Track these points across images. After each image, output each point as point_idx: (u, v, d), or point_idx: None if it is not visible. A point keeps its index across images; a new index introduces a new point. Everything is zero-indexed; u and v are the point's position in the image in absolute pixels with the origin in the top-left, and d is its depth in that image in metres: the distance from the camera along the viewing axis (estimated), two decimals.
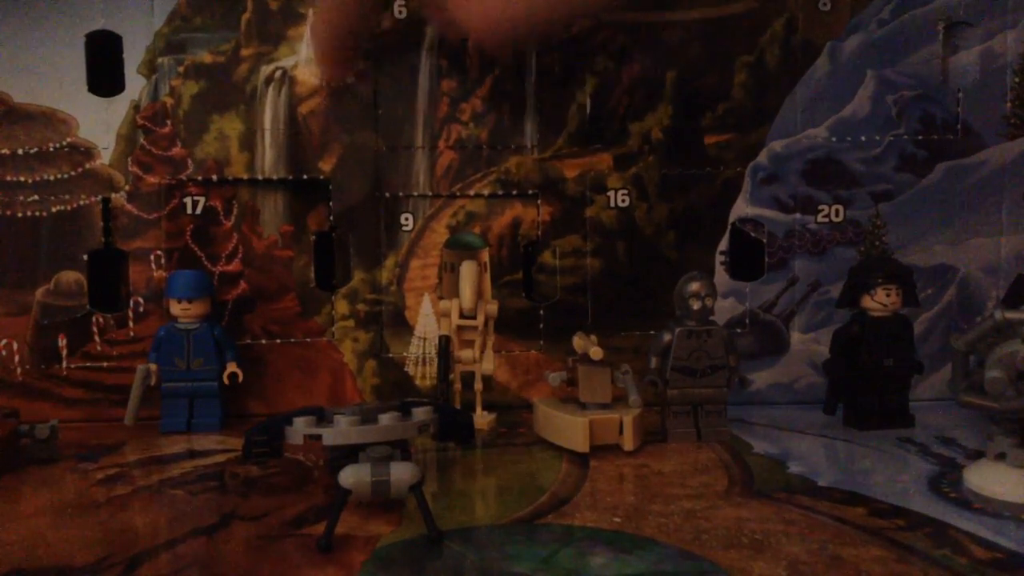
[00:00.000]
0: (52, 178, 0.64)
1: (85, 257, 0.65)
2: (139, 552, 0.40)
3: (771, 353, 0.68)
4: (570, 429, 0.55)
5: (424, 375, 0.67)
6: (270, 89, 0.65)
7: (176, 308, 0.62)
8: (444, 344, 0.60)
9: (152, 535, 0.42)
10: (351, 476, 0.42)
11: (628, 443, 0.55)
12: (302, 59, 0.65)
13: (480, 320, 0.61)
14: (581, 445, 0.55)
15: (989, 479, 0.46)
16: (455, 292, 0.62)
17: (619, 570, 0.38)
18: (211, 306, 0.63)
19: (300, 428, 0.44)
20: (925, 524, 0.43)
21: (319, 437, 0.44)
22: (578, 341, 0.58)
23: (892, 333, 0.60)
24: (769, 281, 0.68)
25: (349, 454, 0.43)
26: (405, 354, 0.67)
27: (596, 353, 0.56)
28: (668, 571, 0.39)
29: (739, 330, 0.67)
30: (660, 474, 0.52)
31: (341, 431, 0.43)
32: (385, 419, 0.44)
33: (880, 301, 0.60)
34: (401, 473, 0.42)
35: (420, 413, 0.46)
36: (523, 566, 0.39)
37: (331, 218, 0.66)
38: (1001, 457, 0.47)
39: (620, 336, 0.67)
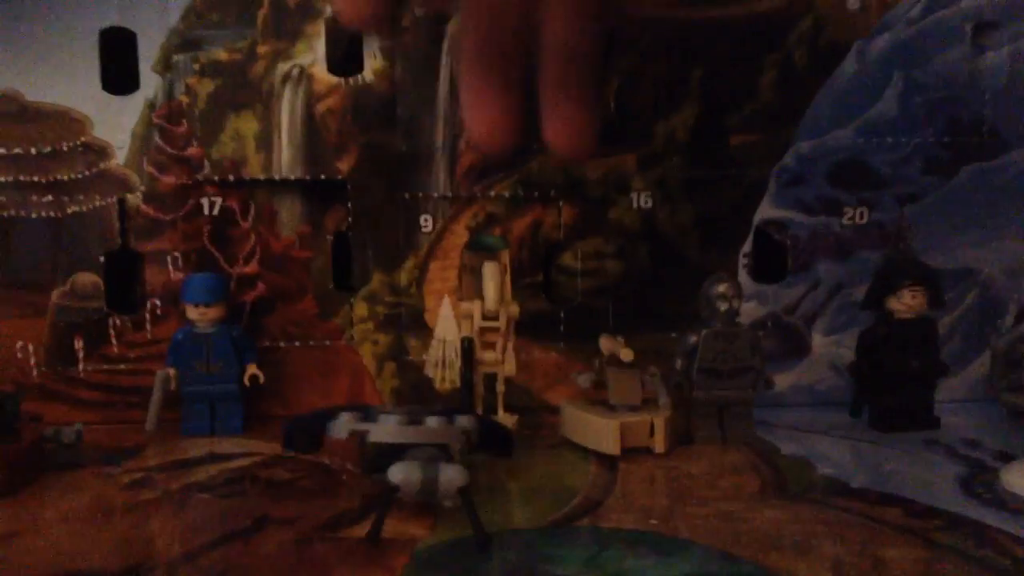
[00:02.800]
0: (66, 178, 0.63)
1: (102, 259, 0.64)
2: (172, 557, 0.39)
3: (792, 356, 0.68)
4: (601, 431, 0.55)
5: (444, 378, 0.66)
6: (287, 87, 0.65)
7: (193, 313, 0.61)
8: (467, 346, 0.59)
9: (183, 540, 0.42)
10: (400, 472, 0.41)
11: (659, 445, 0.55)
12: None
13: (503, 321, 0.61)
14: (612, 448, 0.54)
15: None
16: (475, 294, 0.61)
17: (664, 572, 0.38)
18: (228, 309, 0.62)
19: (345, 423, 0.44)
20: (963, 525, 0.43)
21: (366, 432, 0.43)
22: (605, 343, 0.58)
23: (917, 335, 0.60)
24: (792, 284, 0.67)
25: (392, 455, 0.43)
26: (425, 357, 0.66)
27: (627, 355, 0.56)
28: (713, 573, 0.38)
29: (761, 332, 0.67)
30: (691, 476, 0.52)
31: (388, 428, 0.43)
32: (431, 422, 0.44)
33: (906, 303, 0.60)
34: (451, 474, 0.42)
35: (463, 420, 0.45)
36: (566, 568, 0.38)
37: (349, 219, 0.65)
38: None
39: (640, 338, 0.66)
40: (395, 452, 0.43)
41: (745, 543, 0.41)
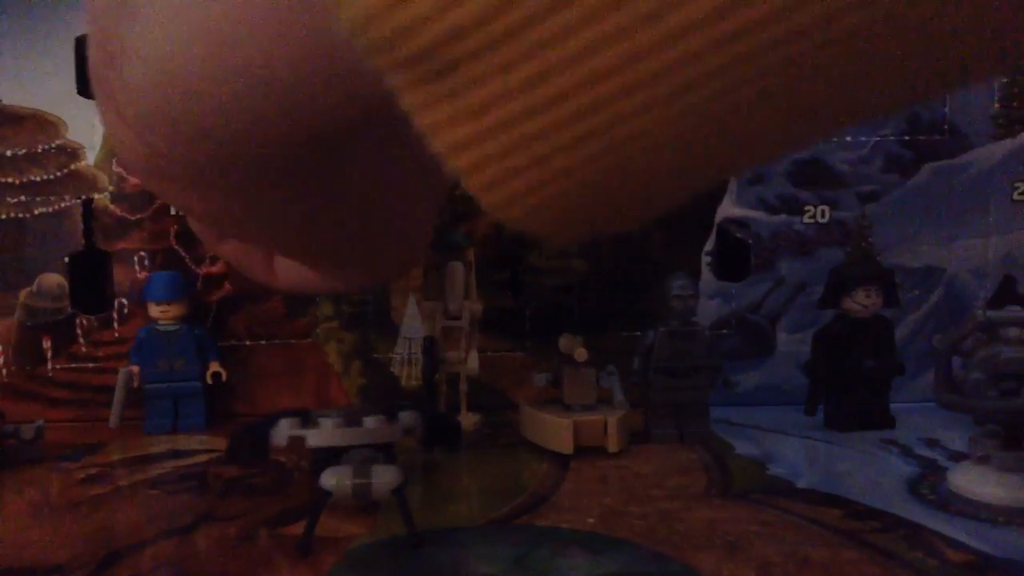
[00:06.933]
0: (39, 179, 0.65)
1: (66, 259, 0.65)
2: (114, 551, 0.40)
3: (757, 355, 0.68)
4: (554, 430, 0.55)
5: (410, 375, 0.67)
6: None
7: (155, 310, 0.62)
8: (429, 345, 0.60)
9: (129, 534, 0.43)
10: (332, 478, 0.42)
11: (612, 444, 0.55)
12: None
13: (465, 321, 0.61)
14: (565, 446, 0.55)
15: (973, 481, 0.46)
16: (440, 292, 0.62)
17: (590, 571, 0.38)
18: (190, 307, 0.63)
19: (285, 429, 0.44)
20: (901, 526, 0.43)
21: (303, 438, 0.44)
22: (564, 342, 0.58)
23: (873, 334, 0.60)
24: (755, 282, 0.67)
25: (334, 457, 0.43)
26: (391, 355, 0.67)
27: (580, 355, 0.56)
28: (639, 572, 0.39)
29: (725, 331, 0.67)
30: (639, 475, 0.52)
31: (325, 432, 0.43)
32: (370, 422, 0.44)
33: (860, 302, 0.59)
34: (383, 476, 0.42)
35: (406, 417, 0.46)
36: (494, 567, 0.39)
37: None
38: (985, 460, 0.46)
39: (607, 337, 0.66)
40: (336, 454, 0.43)
41: (678, 543, 0.41)
